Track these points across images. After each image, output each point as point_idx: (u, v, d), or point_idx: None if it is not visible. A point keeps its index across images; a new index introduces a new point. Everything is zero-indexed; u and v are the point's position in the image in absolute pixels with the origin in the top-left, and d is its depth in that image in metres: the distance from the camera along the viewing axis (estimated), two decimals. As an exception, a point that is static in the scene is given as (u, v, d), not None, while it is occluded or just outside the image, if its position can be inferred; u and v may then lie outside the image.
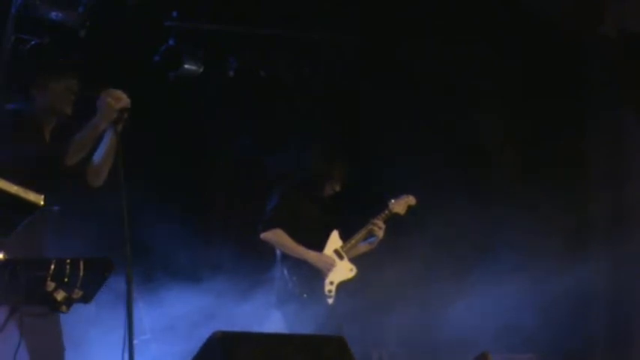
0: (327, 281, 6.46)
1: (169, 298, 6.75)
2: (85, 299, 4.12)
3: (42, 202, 3.86)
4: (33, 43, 4.75)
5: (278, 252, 6.51)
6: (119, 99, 4.42)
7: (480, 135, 7.78)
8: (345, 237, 6.62)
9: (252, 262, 6.90)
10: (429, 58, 7.58)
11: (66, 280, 3.97)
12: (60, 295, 3.99)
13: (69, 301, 4.05)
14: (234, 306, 6.71)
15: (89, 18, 6.52)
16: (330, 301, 6.44)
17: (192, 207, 7.70)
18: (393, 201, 6.74)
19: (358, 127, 8.06)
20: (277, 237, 6.39)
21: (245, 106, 7.81)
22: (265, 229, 6.42)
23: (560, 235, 7.41)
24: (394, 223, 6.74)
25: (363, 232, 6.62)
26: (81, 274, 3.99)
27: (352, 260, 6.61)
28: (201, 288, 6.85)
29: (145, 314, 6.64)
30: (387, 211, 6.68)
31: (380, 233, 6.58)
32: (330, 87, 7.96)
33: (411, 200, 6.79)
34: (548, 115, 7.69)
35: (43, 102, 4.53)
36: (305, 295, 6.36)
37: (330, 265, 6.46)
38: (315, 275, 6.43)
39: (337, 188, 6.61)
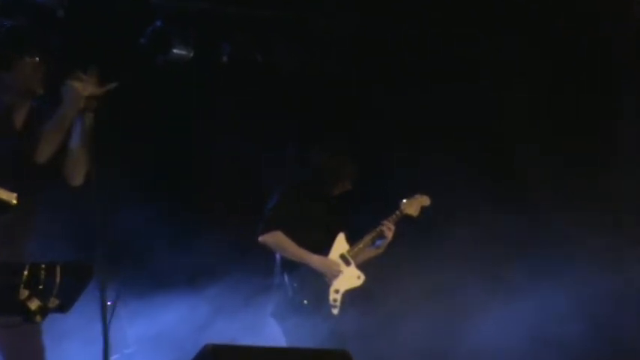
0: (332, 289, 6.34)
1: (156, 307, 6.69)
2: (62, 308, 4.01)
3: (14, 201, 3.89)
4: (7, 25, 4.66)
5: (278, 256, 6.40)
6: (87, 84, 4.33)
7: (499, 130, 7.73)
8: (353, 240, 6.51)
9: (250, 268, 6.82)
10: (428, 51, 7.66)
11: (41, 287, 3.86)
12: (34, 304, 3.89)
13: (44, 311, 3.94)
14: (226, 316, 6.69)
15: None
16: (335, 311, 6.32)
17: (183, 207, 7.63)
18: (404, 201, 6.65)
19: (363, 121, 8.00)
20: (277, 240, 6.29)
21: (239, 95, 7.72)
22: (264, 231, 6.32)
23: (593, 239, 7.34)
24: (409, 226, 6.65)
25: (371, 235, 6.53)
26: (57, 280, 3.89)
27: (360, 266, 6.49)
28: (191, 296, 6.83)
29: (129, 325, 6.55)
30: (397, 213, 6.59)
31: (389, 234, 6.48)
32: (330, 76, 7.90)
33: (424, 200, 6.71)
34: (572, 110, 7.67)
35: (11, 83, 4.45)
36: (305, 302, 6.24)
37: (336, 271, 6.35)
38: (319, 282, 6.32)
39: (348, 187, 6.54)
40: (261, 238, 6.31)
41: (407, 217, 6.62)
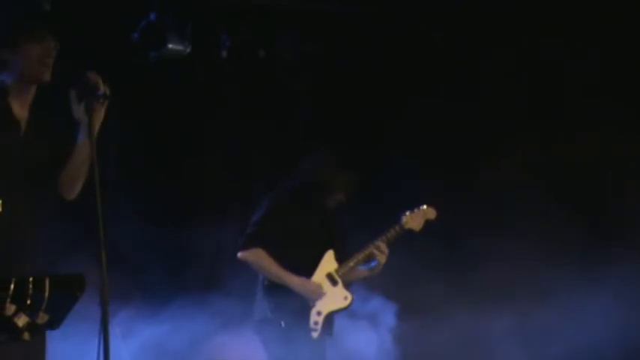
0: (314, 311, 6.32)
1: (152, 325, 6.72)
2: (52, 325, 4.04)
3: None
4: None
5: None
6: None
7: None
8: (346, 257, 6.46)
9: (244, 284, 6.81)
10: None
11: (29, 302, 3.87)
12: (21, 321, 3.90)
13: (32, 328, 3.96)
14: (219, 333, 6.75)
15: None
16: (315, 334, 6.29)
17: (177, 216, 7.64)
18: (407, 213, 6.57)
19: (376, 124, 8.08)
20: (256, 258, 6.27)
21: (240, 93, 7.74)
22: (244, 248, 6.30)
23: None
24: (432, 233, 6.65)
25: (365, 252, 6.46)
26: (46, 294, 3.90)
27: (348, 287, 6.46)
28: (185, 313, 6.85)
29: (124, 345, 6.58)
30: (397, 228, 6.52)
31: (382, 259, 6.41)
32: (341, 70, 7.93)
33: (429, 213, 6.63)
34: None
35: (16, 67, 4.25)
36: (283, 324, 6.23)
37: (318, 294, 6.33)
38: (300, 303, 6.30)
39: (342, 199, 6.50)
40: (240, 255, 6.30)
41: (409, 232, 6.56)
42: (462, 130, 7.87)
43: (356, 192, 6.53)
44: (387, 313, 7.10)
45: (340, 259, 6.45)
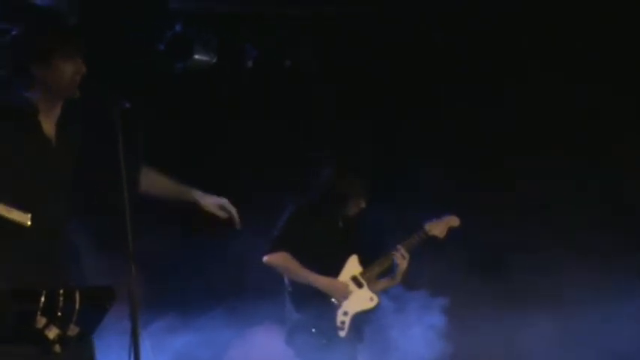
0: (341, 311, 6.42)
1: (183, 336, 6.77)
2: (83, 337, 4.05)
3: (29, 222, 3.88)
4: (14, 33, 4.63)
5: (286, 279, 6.47)
6: None
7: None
8: (368, 263, 6.54)
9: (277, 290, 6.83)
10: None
11: (59, 314, 3.89)
12: (52, 333, 3.92)
13: (63, 340, 3.97)
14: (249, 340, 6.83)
15: (81, 1, 6.48)
16: (342, 333, 6.36)
17: (203, 224, 7.61)
18: (430, 222, 6.67)
19: (398, 128, 8.07)
20: (282, 261, 6.37)
21: (266, 103, 7.76)
22: (270, 251, 6.40)
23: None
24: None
25: (388, 258, 6.55)
26: (77, 306, 3.93)
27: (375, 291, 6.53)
28: (215, 322, 6.92)
29: (155, 358, 6.60)
30: (421, 234, 6.62)
31: (403, 264, 6.50)
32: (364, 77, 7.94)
33: (453, 221, 6.74)
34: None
35: (46, 83, 4.23)
36: (314, 330, 6.33)
37: (344, 293, 6.42)
38: (327, 306, 6.39)
39: (363, 205, 6.57)
40: (266, 258, 6.39)
41: (432, 239, 6.65)
42: (462, 130, 7.86)
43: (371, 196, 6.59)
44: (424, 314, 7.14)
45: (364, 264, 6.54)
